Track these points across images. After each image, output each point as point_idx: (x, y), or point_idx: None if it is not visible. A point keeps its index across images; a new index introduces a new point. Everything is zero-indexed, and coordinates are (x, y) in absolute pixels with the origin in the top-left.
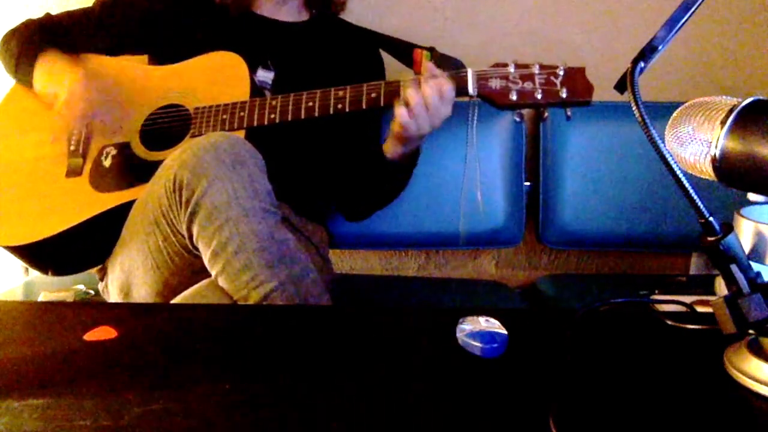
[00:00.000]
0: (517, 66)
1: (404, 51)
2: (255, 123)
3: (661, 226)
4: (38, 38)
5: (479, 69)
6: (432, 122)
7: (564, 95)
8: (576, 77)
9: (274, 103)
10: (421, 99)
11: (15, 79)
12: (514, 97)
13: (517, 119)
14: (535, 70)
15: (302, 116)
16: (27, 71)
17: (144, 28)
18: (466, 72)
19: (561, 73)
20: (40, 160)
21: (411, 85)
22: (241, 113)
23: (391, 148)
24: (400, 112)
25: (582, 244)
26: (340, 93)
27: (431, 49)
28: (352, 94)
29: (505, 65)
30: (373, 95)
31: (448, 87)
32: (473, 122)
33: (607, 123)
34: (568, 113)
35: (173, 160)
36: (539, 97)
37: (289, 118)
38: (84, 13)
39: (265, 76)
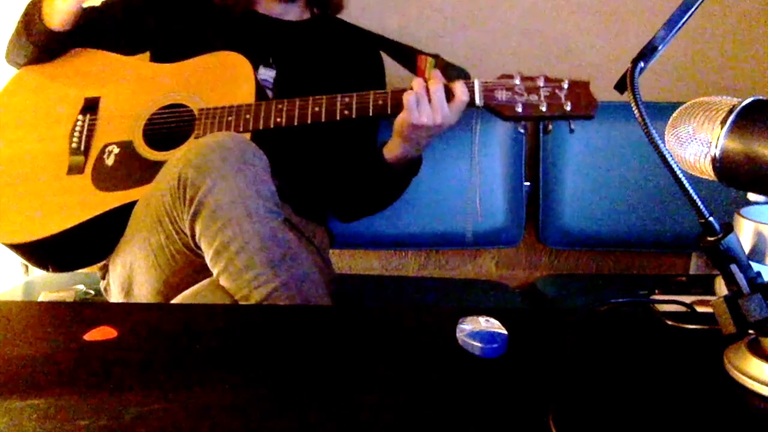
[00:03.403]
0: (523, 78)
1: (408, 56)
2: (261, 126)
3: (661, 226)
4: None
5: (485, 80)
6: (434, 119)
7: (568, 108)
8: (580, 91)
9: (280, 107)
10: (425, 88)
11: (27, 41)
12: (519, 109)
13: (521, 131)
14: (540, 82)
15: (308, 121)
16: (36, 11)
17: (146, 26)
18: (473, 83)
19: (565, 86)
20: (41, 156)
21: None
22: (247, 116)
23: (391, 148)
24: (407, 98)
25: (582, 244)
26: (347, 100)
27: (436, 56)
28: (359, 101)
29: (511, 77)
30: (380, 102)
31: (461, 90)
32: (476, 130)
33: (607, 123)
34: (572, 126)
35: (178, 159)
36: (544, 109)
37: (296, 122)
38: (88, 12)
39: (266, 74)
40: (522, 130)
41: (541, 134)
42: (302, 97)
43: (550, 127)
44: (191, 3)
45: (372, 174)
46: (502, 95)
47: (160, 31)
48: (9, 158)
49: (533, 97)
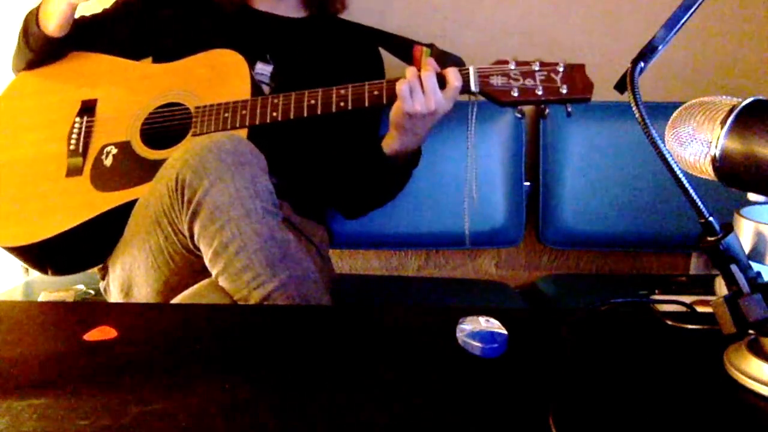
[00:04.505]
0: (518, 63)
1: (404, 48)
2: (257, 121)
3: (661, 226)
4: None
5: (480, 66)
6: (428, 106)
7: (564, 92)
8: (576, 74)
9: (276, 101)
10: (417, 76)
11: (27, 49)
12: (515, 93)
13: (518, 115)
14: (536, 67)
15: (305, 114)
16: (33, 19)
17: (145, 30)
18: (468, 69)
19: (561, 69)
20: (40, 159)
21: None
22: (243, 112)
23: (389, 141)
24: (400, 87)
25: (582, 244)
26: (342, 91)
27: (431, 46)
28: (355, 92)
29: (506, 62)
30: (376, 93)
31: (453, 75)
32: (473, 120)
33: (607, 123)
34: (569, 109)
35: (175, 160)
36: (540, 93)
37: (292, 116)
38: (87, 18)
39: (263, 69)
40: (519, 115)
41: (541, 134)
42: (298, 91)
43: (547, 111)
44: (187, 3)
45: (373, 169)
46: (497, 80)
47: (159, 33)
48: (8, 162)
49: (529, 82)
